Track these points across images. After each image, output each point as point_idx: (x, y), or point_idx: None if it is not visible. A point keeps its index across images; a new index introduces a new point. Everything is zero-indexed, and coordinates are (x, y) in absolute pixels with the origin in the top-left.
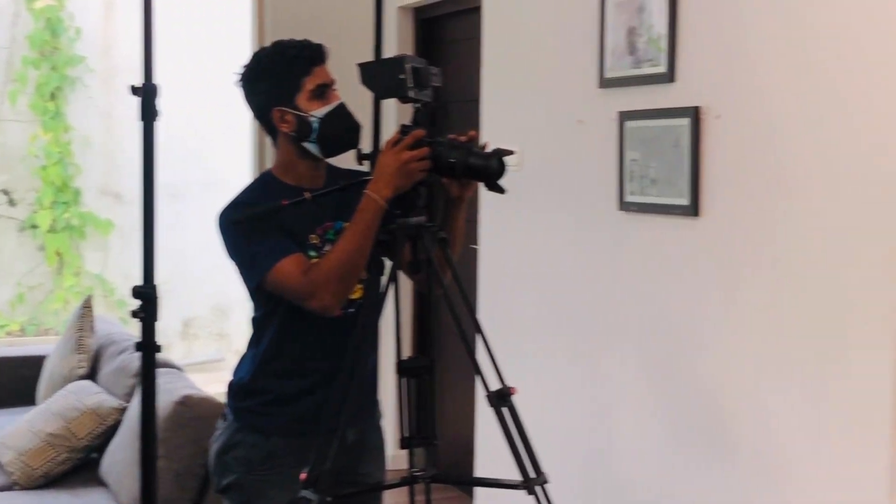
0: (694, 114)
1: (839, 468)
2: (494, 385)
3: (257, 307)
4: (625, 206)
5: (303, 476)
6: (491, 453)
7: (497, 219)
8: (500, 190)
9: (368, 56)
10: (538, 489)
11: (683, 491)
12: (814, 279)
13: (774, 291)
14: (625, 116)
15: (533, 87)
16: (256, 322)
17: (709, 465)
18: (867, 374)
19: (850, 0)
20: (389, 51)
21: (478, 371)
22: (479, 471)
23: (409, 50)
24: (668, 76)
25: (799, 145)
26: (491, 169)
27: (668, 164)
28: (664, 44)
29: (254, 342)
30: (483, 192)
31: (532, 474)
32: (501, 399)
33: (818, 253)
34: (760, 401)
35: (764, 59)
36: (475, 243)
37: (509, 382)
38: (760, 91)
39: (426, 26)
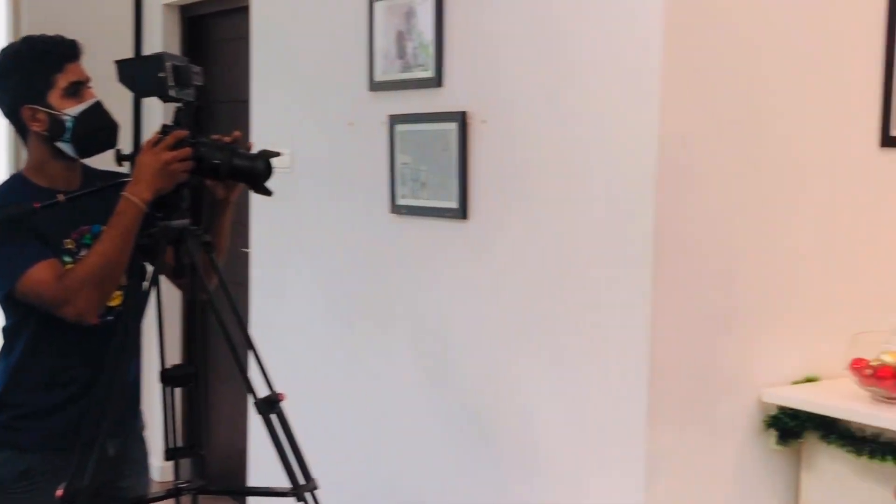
0: (461, 118)
1: (598, 461)
2: (263, 392)
3: (8, 316)
4: (396, 208)
5: (59, 492)
6: (264, 461)
7: (268, 221)
8: (267, 192)
9: (130, 54)
10: (308, 495)
11: (454, 489)
12: (573, 278)
13: (536, 291)
14: (395, 120)
15: (303, 89)
16: (7, 331)
17: (477, 461)
18: (624, 370)
19: (600, 12)
20: (154, 49)
21: (245, 378)
22: (253, 479)
23: (175, 49)
24: (437, 81)
25: (557, 149)
26: (257, 170)
27: (438, 168)
28: (432, 49)
29: (5, 353)
30: (254, 194)
31: (302, 481)
32: (270, 406)
33: (577, 253)
34: (525, 397)
35: (523, 67)
36: (246, 247)
37: (282, 388)
38: (521, 97)
39: (193, 25)
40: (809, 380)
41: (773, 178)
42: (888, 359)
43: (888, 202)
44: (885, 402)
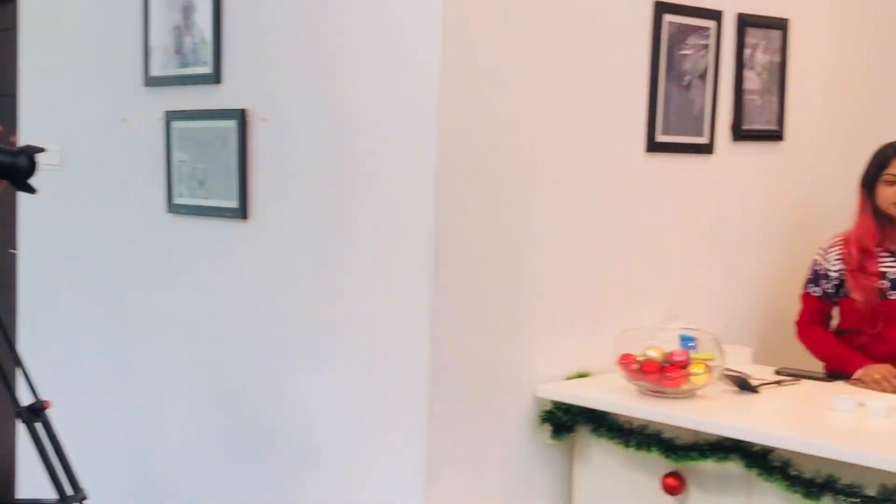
0: (240, 116)
1: (380, 459)
2: (28, 399)
3: None
4: (174, 208)
5: None
6: (34, 471)
7: (38, 221)
8: (31, 189)
9: None
10: None
11: (231, 490)
12: (354, 278)
13: (318, 291)
14: (171, 116)
15: (75, 83)
16: None
17: (258, 464)
18: (405, 369)
19: (379, 12)
20: None
21: (6, 385)
22: (23, 491)
23: None
24: (215, 77)
25: (338, 149)
26: (19, 166)
27: (217, 167)
28: (211, 45)
29: None
30: (22, 192)
31: (70, 491)
32: (34, 414)
33: (358, 253)
34: (307, 398)
35: (304, 65)
36: (14, 247)
37: (53, 394)
38: (302, 95)
39: None
40: (582, 375)
41: (548, 182)
42: (653, 354)
43: (653, 204)
44: (651, 395)
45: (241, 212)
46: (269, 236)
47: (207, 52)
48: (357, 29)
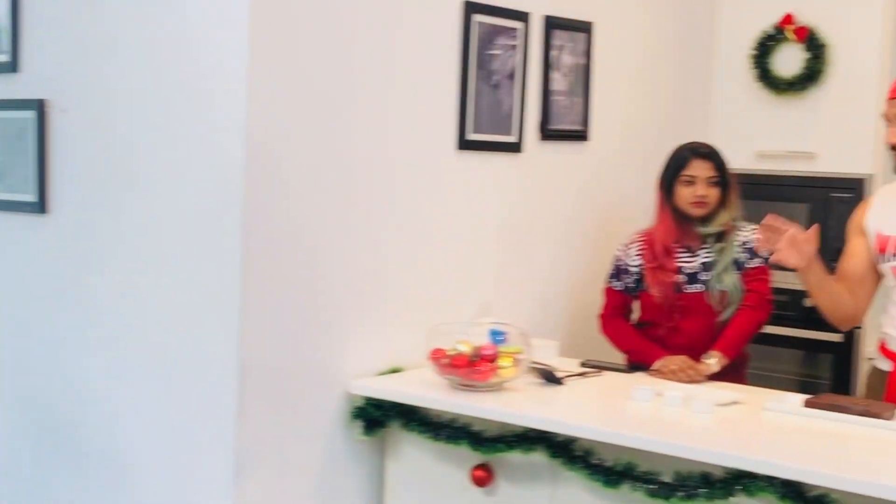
0: (39, 106)
1: (187, 462)
2: None
3: None
4: None
5: None
6: None
7: None
8: None
9: None
10: None
11: (33, 497)
12: (161, 276)
13: (123, 289)
14: None
15: None
16: None
17: (58, 470)
18: (212, 368)
19: (188, 5)
20: None
21: None
22: None
23: None
24: (12, 66)
25: (145, 142)
26: None
27: (14, 159)
28: (8, 32)
29: None
30: None
31: None
32: None
33: (165, 250)
34: (110, 401)
35: (111, 55)
36: None
37: None
38: (107, 86)
39: None
40: (395, 370)
41: (359, 179)
42: (463, 348)
43: (464, 201)
44: (461, 389)
45: (40, 206)
46: (70, 232)
47: (5, 40)
48: (162, 19)
